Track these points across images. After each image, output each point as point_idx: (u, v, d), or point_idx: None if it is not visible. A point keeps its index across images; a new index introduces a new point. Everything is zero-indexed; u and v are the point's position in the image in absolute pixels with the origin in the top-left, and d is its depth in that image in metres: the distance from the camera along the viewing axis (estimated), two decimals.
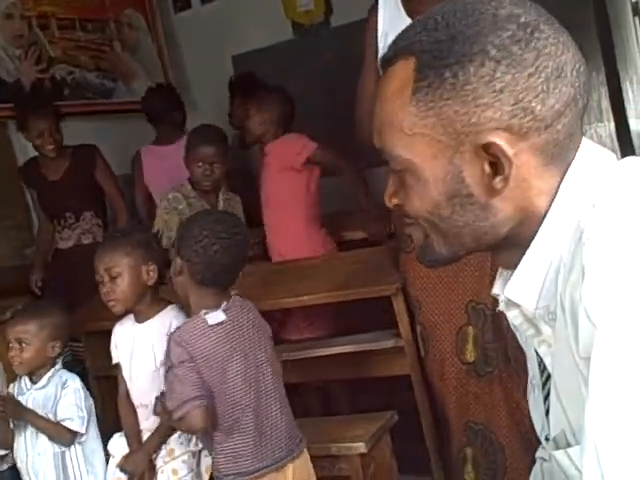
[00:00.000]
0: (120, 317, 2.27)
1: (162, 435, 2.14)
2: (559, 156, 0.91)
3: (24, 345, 2.27)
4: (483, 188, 0.90)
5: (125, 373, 2.23)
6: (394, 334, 2.48)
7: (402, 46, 0.93)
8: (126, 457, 2.18)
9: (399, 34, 0.95)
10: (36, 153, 4.03)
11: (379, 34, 2.32)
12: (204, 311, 1.95)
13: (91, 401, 2.33)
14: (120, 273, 2.14)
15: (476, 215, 0.92)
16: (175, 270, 1.99)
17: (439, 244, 0.97)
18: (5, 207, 4.88)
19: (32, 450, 2.29)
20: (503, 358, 2.24)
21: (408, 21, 2.16)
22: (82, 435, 2.28)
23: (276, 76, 4.42)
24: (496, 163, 0.89)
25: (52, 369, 2.34)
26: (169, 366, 1.90)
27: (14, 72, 4.90)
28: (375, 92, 0.97)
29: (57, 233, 3.87)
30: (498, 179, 0.89)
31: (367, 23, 2.38)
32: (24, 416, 2.27)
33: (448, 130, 0.89)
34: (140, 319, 2.22)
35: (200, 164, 3.11)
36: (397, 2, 2.29)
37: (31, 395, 2.32)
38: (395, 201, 0.99)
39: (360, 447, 2.04)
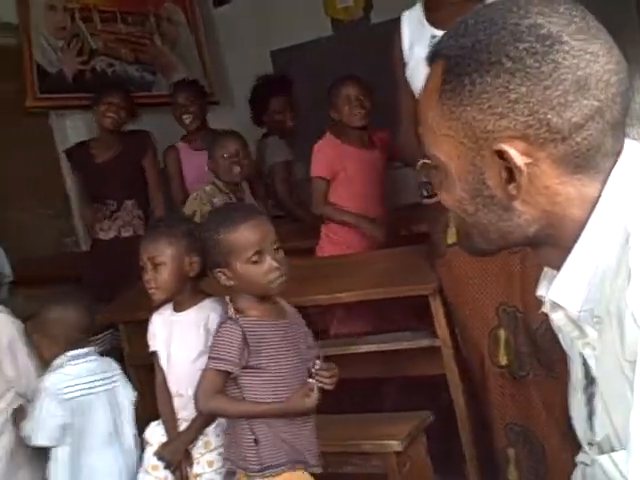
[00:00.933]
0: (158, 306, 2.30)
1: (199, 426, 2.17)
2: (586, 166, 0.91)
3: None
4: (502, 191, 0.93)
5: (162, 362, 2.26)
6: (430, 334, 2.48)
7: (438, 48, 0.96)
8: (163, 446, 2.20)
9: (442, 35, 0.98)
10: (79, 140, 4.10)
11: (405, 49, 2.45)
12: None
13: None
14: (163, 262, 2.16)
15: (499, 215, 0.95)
16: None
17: (475, 235, 1.01)
18: (44, 196, 4.97)
19: None
20: (536, 361, 2.25)
21: (432, 31, 2.34)
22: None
23: (314, 72, 4.44)
24: (512, 169, 0.91)
25: None
26: None
27: (57, 63, 4.97)
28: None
29: (97, 223, 3.87)
30: (512, 186, 0.92)
31: (393, 42, 2.48)
32: None
33: (468, 134, 0.92)
34: (178, 309, 2.24)
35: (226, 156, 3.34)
36: (420, 14, 2.43)
37: None
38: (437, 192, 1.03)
39: (396, 445, 2.05)
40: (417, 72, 2.39)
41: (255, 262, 1.94)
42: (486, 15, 0.93)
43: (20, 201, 4.78)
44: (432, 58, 0.97)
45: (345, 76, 3.38)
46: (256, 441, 1.95)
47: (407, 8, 2.57)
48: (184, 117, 4.09)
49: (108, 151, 3.86)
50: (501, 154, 0.91)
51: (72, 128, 5.06)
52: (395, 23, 2.55)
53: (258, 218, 2.01)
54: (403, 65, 2.45)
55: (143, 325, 2.58)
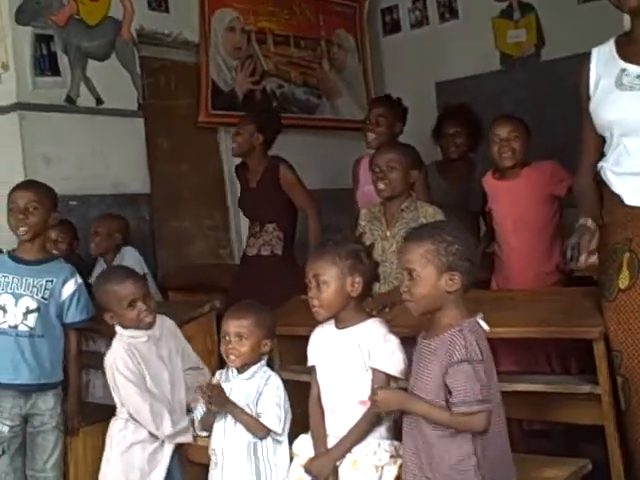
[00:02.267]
0: (316, 323, 2.33)
1: (349, 444, 2.18)
2: None
3: (243, 339, 2.40)
4: None
5: (320, 377, 2.29)
6: (590, 380, 2.39)
7: None
8: (312, 460, 2.23)
9: None
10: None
11: (591, 83, 2.41)
12: (480, 315, 1.99)
13: (288, 402, 2.40)
14: (326, 281, 2.20)
15: None
16: None
17: None
18: (207, 207, 5.21)
19: (229, 434, 2.40)
20: None
21: (622, 64, 2.34)
22: (278, 434, 2.36)
23: (479, 106, 4.40)
24: None
25: (259, 364, 2.45)
26: (462, 359, 1.88)
27: (230, 82, 5.22)
28: None
29: (247, 239, 4.07)
30: None
31: (580, 77, 2.46)
32: (227, 406, 2.38)
33: None
34: (340, 326, 2.27)
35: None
36: (612, 49, 2.41)
37: (235, 384, 2.44)
38: None
39: None
40: (601, 104, 2.36)
41: None
42: None
43: (184, 210, 5.03)
44: None
45: (499, 115, 3.32)
46: None
47: (580, 48, 2.56)
48: (367, 134, 3.87)
49: (255, 176, 3.98)
50: None
51: None
52: (567, 62, 2.53)
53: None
54: (587, 99, 2.42)
55: (295, 340, 2.62)
